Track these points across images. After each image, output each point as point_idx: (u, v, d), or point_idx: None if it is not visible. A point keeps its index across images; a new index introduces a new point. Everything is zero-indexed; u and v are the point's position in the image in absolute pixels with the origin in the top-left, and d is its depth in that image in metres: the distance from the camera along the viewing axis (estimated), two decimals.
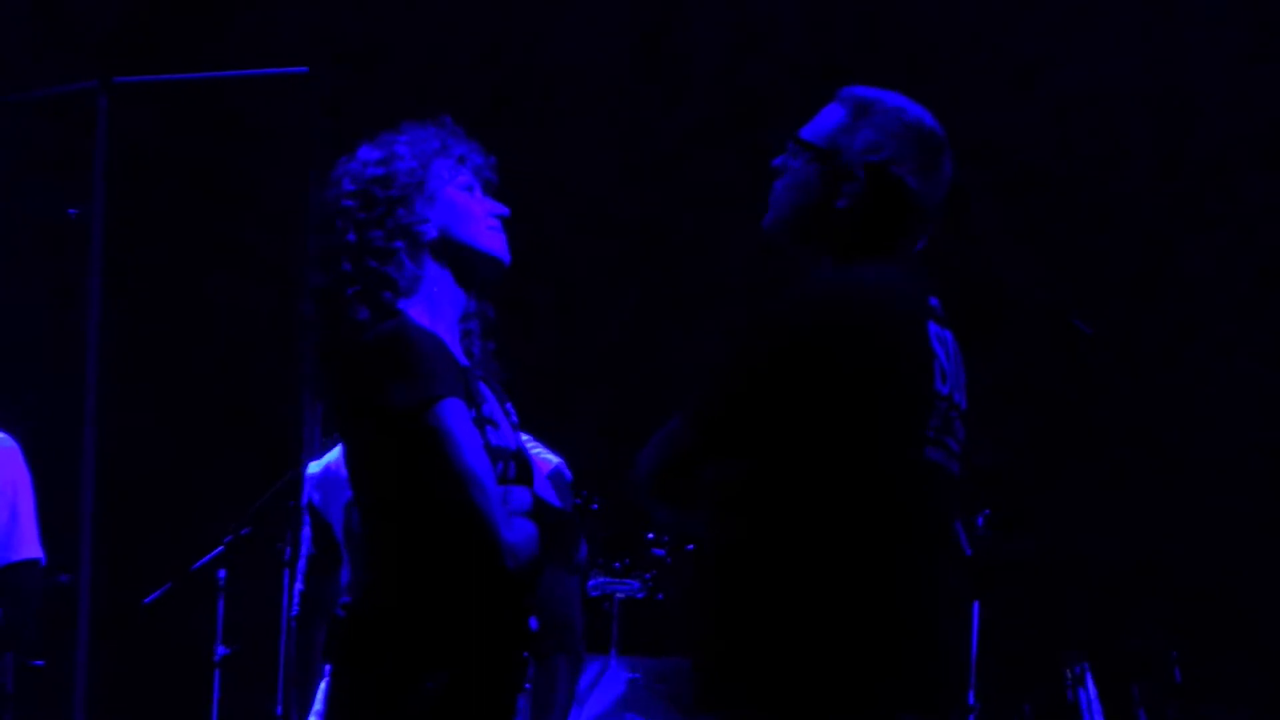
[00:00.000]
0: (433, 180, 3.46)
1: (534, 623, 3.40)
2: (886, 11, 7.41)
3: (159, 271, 7.42)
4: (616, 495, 5.64)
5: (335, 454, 4.81)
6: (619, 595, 5.86)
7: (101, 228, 5.02)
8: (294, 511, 5.31)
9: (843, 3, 7.50)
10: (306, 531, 4.67)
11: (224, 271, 7.53)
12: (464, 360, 3.45)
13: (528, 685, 3.32)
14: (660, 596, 5.82)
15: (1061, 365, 6.65)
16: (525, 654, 3.36)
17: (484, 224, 3.49)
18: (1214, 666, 6.25)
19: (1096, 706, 5.58)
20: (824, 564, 3.09)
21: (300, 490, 4.93)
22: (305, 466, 4.78)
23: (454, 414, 3.26)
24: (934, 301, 3.28)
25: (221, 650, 5.83)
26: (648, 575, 5.80)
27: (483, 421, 3.34)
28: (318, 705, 4.78)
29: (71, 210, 5.05)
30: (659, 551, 5.80)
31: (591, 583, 5.74)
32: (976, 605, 5.39)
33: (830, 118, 3.35)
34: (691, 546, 5.64)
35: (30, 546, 4.70)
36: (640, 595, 5.80)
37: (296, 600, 4.62)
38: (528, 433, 3.82)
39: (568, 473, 4.12)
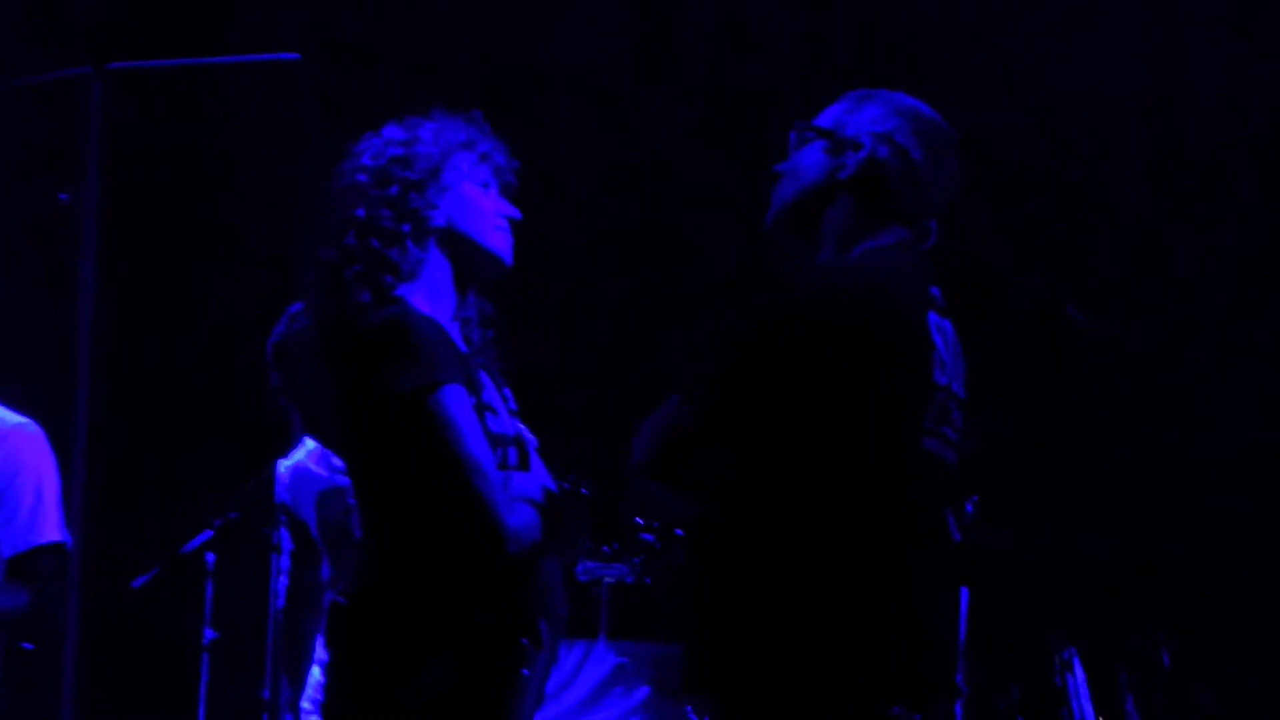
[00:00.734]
0: (451, 171, 3.46)
1: (562, 607, 3.40)
2: (884, 11, 7.41)
3: (151, 259, 7.42)
4: (604, 479, 5.64)
5: (302, 453, 4.82)
6: (607, 580, 5.87)
7: (95, 215, 5.02)
8: (279, 504, 5.33)
9: (840, 2, 7.50)
10: (284, 528, 4.70)
11: (216, 258, 7.54)
12: (464, 347, 3.45)
13: (525, 672, 3.31)
14: (648, 581, 5.83)
15: (1053, 353, 6.65)
16: (524, 640, 3.35)
17: (492, 222, 3.49)
18: (1202, 653, 6.26)
19: (1084, 692, 5.59)
20: (816, 554, 3.10)
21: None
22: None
23: (455, 400, 3.26)
24: (935, 291, 3.28)
25: (209, 634, 5.84)
26: (636, 560, 5.81)
27: (482, 408, 3.34)
28: (310, 692, 4.80)
29: (63, 195, 5.05)
30: (647, 536, 5.81)
31: (579, 567, 5.75)
32: (965, 591, 5.39)
33: (833, 107, 3.37)
34: (680, 531, 5.65)
35: (55, 530, 4.74)
36: (629, 580, 5.81)
37: (282, 594, 4.64)
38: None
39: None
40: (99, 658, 5.63)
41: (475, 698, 3.29)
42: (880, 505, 3.13)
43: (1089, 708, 5.60)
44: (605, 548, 5.83)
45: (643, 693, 5.77)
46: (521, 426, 3.51)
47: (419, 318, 3.32)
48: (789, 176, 3.35)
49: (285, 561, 4.62)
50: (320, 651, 4.67)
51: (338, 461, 4.64)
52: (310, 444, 4.86)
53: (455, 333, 3.46)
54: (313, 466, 4.79)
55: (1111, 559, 6.65)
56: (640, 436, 3.20)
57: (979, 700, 5.58)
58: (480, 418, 3.32)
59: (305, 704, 4.87)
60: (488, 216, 3.49)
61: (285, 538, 4.67)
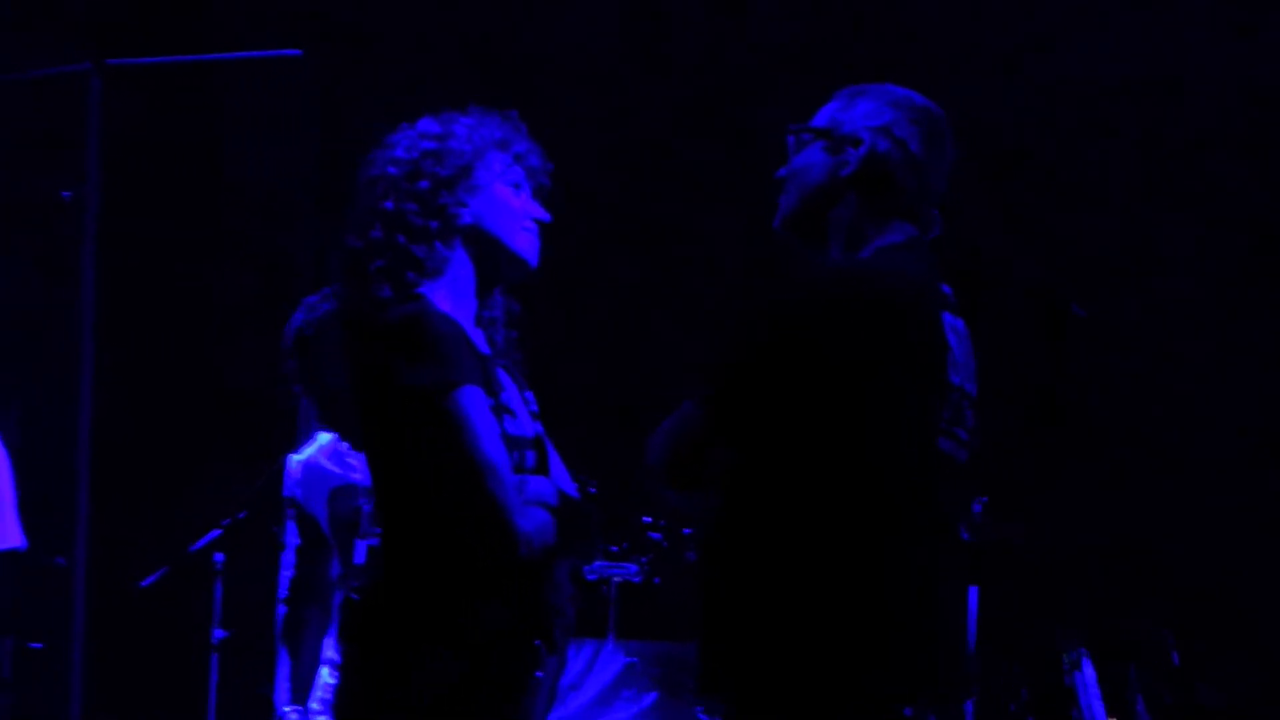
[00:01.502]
0: (483, 170, 3.43)
1: (570, 610, 3.39)
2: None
3: (152, 254, 7.40)
4: (613, 478, 5.65)
5: (315, 448, 4.79)
6: (616, 579, 5.87)
7: (96, 210, 5.00)
8: (288, 499, 5.32)
9: None
10: (290, 523, 4.67)
11: (217, 253, 7.53)
12: (485, 348, 3.43)
13: (539, 674, 3.30)
14: (657, 580, 5.83)
15: (1054, 348, 6.66)
16: (538, 642, 3.34)
17: (520, 223, 3.46)
18: (1211, 650, 6.27)
19: (1094, 691, 5.60)
20: (829, 554, 3.09)
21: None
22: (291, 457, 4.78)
23: (472, 400, 3.25)
24: (946, 289, 3.28)
25: (219, 633, 5.83)
26: (645, 559, 5.81)
27: (500, 409, 3.33)
28: (319, 693, 4.78)
29: (65, 193, 5.03)
30: (656, 535, 5.81)
31: (588, 567, 5.74)
32: (974, 590, 5.40)
33: (827, 106, 3.36)
34: (688, 530, 5.66)
35: (9, 536, 4.67)
36: (637, 579, 5.81)
37: (285, 586, 4.62)
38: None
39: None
40: (108, 657, 5.64)
41: (488, 699, 3.28)
42: (896, 506, 3.12)
43: (1099, 707, 5.60)
44: (614, 547, 5.83)
45: (651, 697, 5.78)
46: (542, 430, 3.50)
47: (439, 316, 3.30)
48: (792, 180, 3.34)
49: (290, 556, 4.60)
50: (330, 652, 4.66)
51: (351, 458, 4.61)
52: (324, 438, 4.81)
53: (478, 334, 3.45)
54: (325, 462, 4.75)
55: (1119, 557, 6.66)
56: (654, 440, 3.20)
57: (989, 700, 5.59)
58: (498, 419, 3.31)
59: (314, 704, 4.85)
60: (516, 218, 3.46)
61: (291, 532, 4.64)
